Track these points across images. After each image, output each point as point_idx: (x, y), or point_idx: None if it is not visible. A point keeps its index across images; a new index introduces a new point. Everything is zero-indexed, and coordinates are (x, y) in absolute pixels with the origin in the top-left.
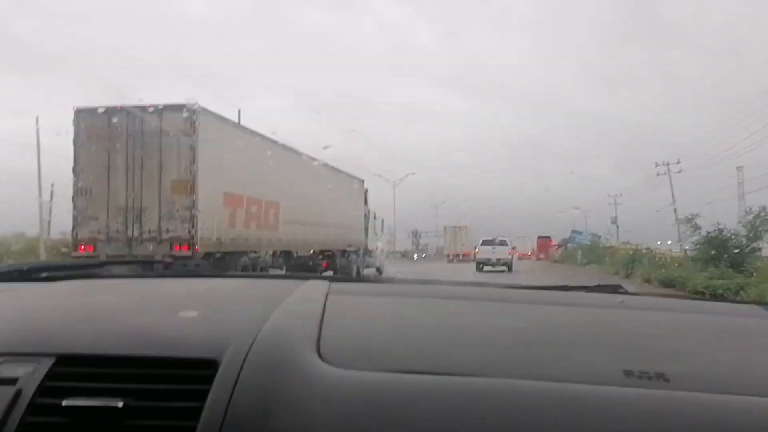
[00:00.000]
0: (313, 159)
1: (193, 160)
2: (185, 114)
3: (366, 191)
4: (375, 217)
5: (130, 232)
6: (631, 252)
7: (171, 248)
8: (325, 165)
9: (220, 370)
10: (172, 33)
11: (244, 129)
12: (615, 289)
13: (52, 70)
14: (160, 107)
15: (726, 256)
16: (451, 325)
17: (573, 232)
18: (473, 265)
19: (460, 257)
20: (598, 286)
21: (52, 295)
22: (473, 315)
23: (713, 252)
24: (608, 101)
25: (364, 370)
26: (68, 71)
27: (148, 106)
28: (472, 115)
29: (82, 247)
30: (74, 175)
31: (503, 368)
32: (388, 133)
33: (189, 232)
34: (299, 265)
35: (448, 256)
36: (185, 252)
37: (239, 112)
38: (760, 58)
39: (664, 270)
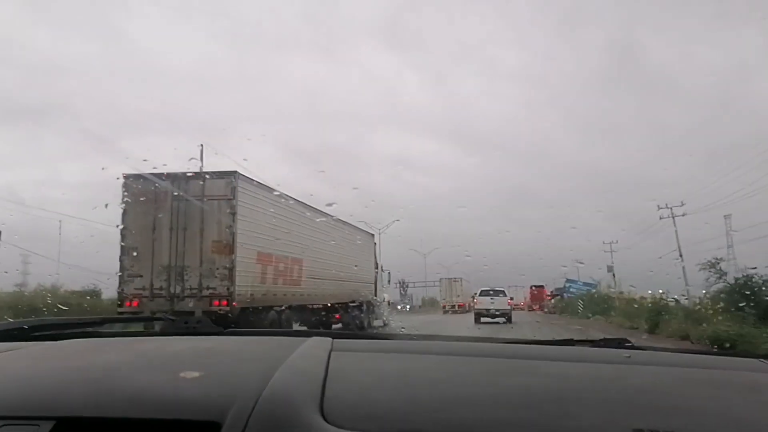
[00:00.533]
0: (330, 216)
1: (232, 223)
2: (227, 180)
3: (375, 245)
4: (382, 270)
5: (172, 289)
6: (649, 301)
7: (211, 304)
8: (341, 221)
9: None
10: (159, 85)
11: (274, 191)
12: (621, 343)
13: (35, 120)
14: (204, 174)
15: (753, 304)
16: (455, 382)
17: (567, 281)
18: (469, 316)
19: (456, 308)
20: (604, 339)
21: (52, 355)
22: (477, 372)
23: (742, 302)
24: (596, 150)
25: (369, 430)
26: (52, 122)
27: (192, 173)
28: (460, 165)
29: (128, 302)
30: (121, 236)
31: (508, 428)
32: (375, 183)
33: (227, 288)
34: (314, 318)
35: (444, 307)
36: (224, 307)
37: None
38: (745, 104)
39: (704, 325)
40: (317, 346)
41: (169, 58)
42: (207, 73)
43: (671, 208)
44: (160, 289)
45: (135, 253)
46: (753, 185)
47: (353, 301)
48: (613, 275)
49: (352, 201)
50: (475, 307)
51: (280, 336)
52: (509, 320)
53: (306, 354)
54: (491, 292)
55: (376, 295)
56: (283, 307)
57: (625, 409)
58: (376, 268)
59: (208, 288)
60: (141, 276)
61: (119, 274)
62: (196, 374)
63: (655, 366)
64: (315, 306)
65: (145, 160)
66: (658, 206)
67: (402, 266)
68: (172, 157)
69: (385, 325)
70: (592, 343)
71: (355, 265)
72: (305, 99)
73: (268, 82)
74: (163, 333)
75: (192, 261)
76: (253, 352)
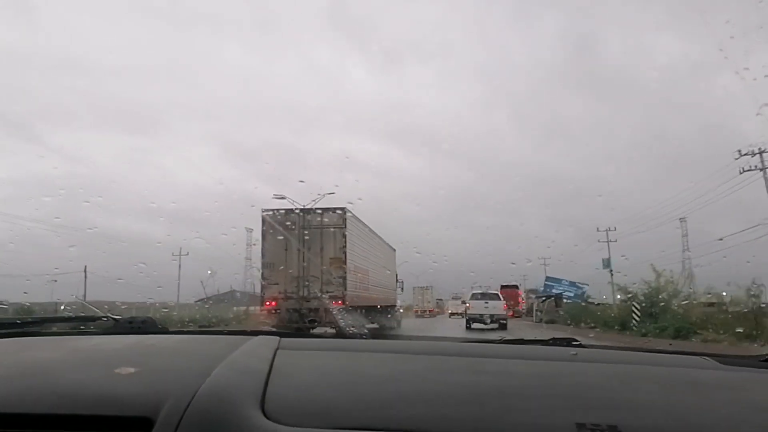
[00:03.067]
0: (378, 236)
1: (344, 245)
2: (339, 214)
3: (395, 255)
4: (398, 278)
5: (301, 293)
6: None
7: (330, 303)
8: (380, 237)
9: (156, 429)
10: (81, 75)
11: (360, 221)
12: (569, 342)
13: None
14: (322, 209)
15: None
16: (401, 379)
17: (548, 279)
18: (442, 319)
19: (427, 313)
20: (554, 339)
21: None
22: (425, 370)
23: None
24: (545, 152)
25: (310, 426)
26: None
27: (314, 209)
28: (410, 167)
29: (267, 303)
30: (262, 254)
31: (453, 423)
32: (321, 184)
33: (342, 292)
34: (369, 317)
35: (416, 312)
36: (340, 306)
37: None
38: (696, 111)
39: None
40: (263, 344)
41: (92, 46)
42: (135, 62)
43: (608, 232)
44: (292, 293)
45: (272, 267)
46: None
47: (386, 305)
48: (611, 271)
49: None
50: (468, 311)
51: (227, 335)
52: (504, 327)
53: (250, 351)
54: (484, 296)
55: (396, 301)
56: (360, 307)
57: (569, 404)
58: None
59: (327, 292)
60: (277, 284)
61: (261, 282)
62: (131, 370)
63: (600, 363)
64: (370, 306)
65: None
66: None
67: None
68: (98, 152)
69: (398, 326)
70: (542, 342)
71: (388, 271)
72: (244, 94)
73: (203, 74)
74: (106, 332)
75: (315, 272)
76: (194, 349)
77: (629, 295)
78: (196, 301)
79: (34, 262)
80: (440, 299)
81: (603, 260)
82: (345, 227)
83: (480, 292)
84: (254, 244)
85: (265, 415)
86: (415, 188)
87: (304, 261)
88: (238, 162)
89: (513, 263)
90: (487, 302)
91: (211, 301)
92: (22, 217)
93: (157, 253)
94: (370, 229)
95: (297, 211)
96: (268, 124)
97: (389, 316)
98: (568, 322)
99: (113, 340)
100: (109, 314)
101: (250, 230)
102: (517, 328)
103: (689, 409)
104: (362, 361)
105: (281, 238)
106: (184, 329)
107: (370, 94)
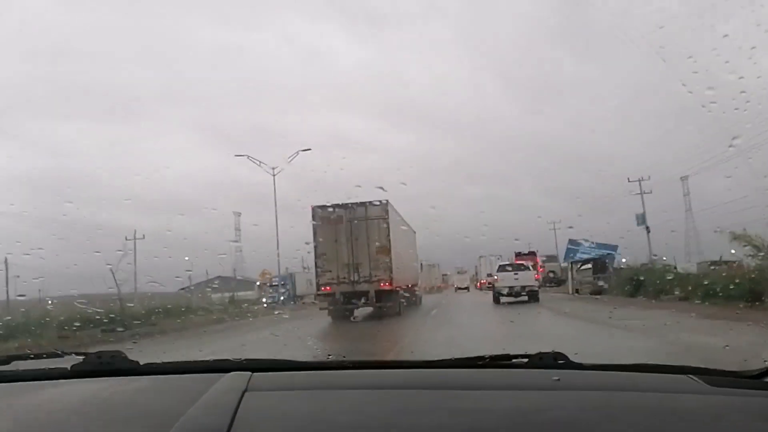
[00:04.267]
0: (404, 220)
1: (388, 234)
2: (382, 206)
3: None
4: (417, 259)
5: (352, 278)
6: None
7: (378, 285)
8: (406, 222)
9: None
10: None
11: (395, 209)
12: (556, 359)
13: None
14: (366, 203)
15: None
16: (371, 427)
17: (571, 242)
18: (449, 293)
19: (435, 289)
20: (540, 354)
21: None
22: (396, 412)
23: None
24: (538, 120)
25: None
26: None
27: (359, 203)
28: (398, 141)
29: (323, 288)
30: (314, 245)
31: None
32: (308, 163)
33: (389, 275)
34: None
35: (425, 288)
36: (387, 287)
37: None
38: (687, 68)
39: None
40: (230, 387)
41: (60, 31)
42: (108, 46)
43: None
44: (344, 278)
45: (325, 257)
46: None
47: (413, 284)
48: (647, 228)
49: (289, 184)
50: (496, 284)
51: (197, 372)
52: (535, 298)
53: (213, 401)
54: (513, 267)
55: (419, 280)
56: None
57: None
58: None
59: (376, 276)
60: (330, 271)
61: (316, 270)
62: None
63: (583, 391)
64: (405, 287)
65: None
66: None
67: None
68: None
69: (420, 303)
70: (528, 359)
71: (412, 257)
72: (221, 74)
73: (178, 55)
74: (72, 373)
75: (363, 259)
76: (155, 401)
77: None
78: (179, 290)
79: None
80: (445, 274)
81: (637, 216)
82: (387, 217)
83: (507, 263)
84: (238, 229)
85: None
86: (405, 163)
87: (352, 250)
88: (220, 145)
89: (517, 239)
90: (516, 273)
91: (193, 288)
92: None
93: (137, 243)
94: (401, 216)
95: (343, 204)
96: (248, 105)
97: (415, 294)
98: (630, 292)
99: (74, 389)
100: (75, 352)
101: (237, 214)
102: (553, 303)
103: None
104: (331, 405)
105: (331, 230)
106: (155, 364)
107: (354, 65)
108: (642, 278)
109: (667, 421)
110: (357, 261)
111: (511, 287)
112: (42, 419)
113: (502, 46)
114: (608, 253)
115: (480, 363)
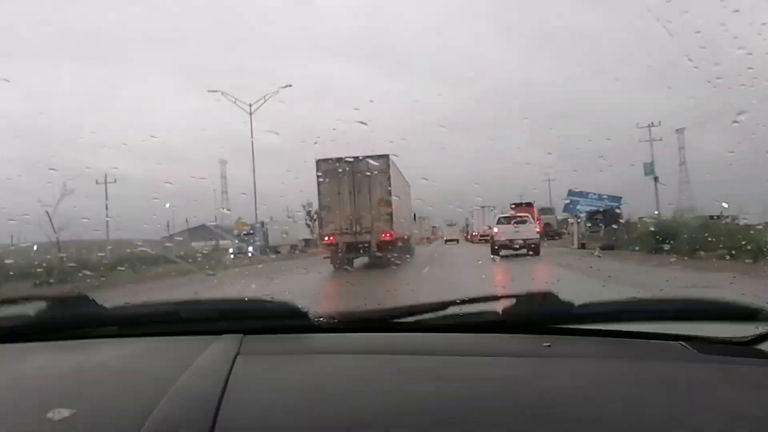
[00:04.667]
0: (402, 175)
1: (389, 187)
2: (383, 160)
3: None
4: (411, 212)
5: (354, 229)
6: None
7: (379, 236)
8: (402, 176)
9: None
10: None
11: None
12: (545, 298)
13: None
14: (369, 157)
15: None
16: (363, 395)
17: (571, 194)
18: (439, 245)
19: (425, 241)
20: (528, 294)
21: None
22: (387, 379)
23: None
24: (532, 70)
25: None
26: None
27: (361, 157)
28: (388, 91)
29: (326, 238)
30: (319, 197)
31: None
32: (296, 113)
33: (390, 226)
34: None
35: (415, 240)
36: (388, 238)
37: None
38: (693, 43)
39: None
40: (222, 350)
41: None
42: None
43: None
44: (347, 229)
45: (328, 209)
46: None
47: (405, 237)
48: (656, 179)
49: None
50: (496, 237)
51: (188, 334)
52: (536, 252)
53: (203, 368)
54: (512, 219)
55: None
56: (397, 239)
57: (537, 422)
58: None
59: (377, 227)
60: (333, 222)
61: (320, 221)
62: (66, 414)
63: (574, 359)
64: (403, 237)
65: None
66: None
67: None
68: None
69: (412, 256)
70: (516, 299)
71: (407, 208)
72: (210, 17)
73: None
74: (40, 320)
75: (365, 211)
76: (143, 370)
77: None
78: (162, 238)
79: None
80: (435, 226)
81: (645, 165)
82: (389, 171)
83: (507, 215)
84: (224, 177)
85: None
86: (395, 114)
87: (355, 202)
88: (206, 92)
89: (521, 196)
90: (517, 226)
91: (178, 238)
92: None
93: (131, 191)
94: (398, 170)
95: (346, 158)
96: (237, 50)
97: (409, 245)
98: (652, 248)
99: (59, 358)
100: (38, 295)
101: (224, 162)
102: (562, 259)
103: (660, 418)
104: (324, 370)
105: (334, 183)
106: (122, 308)
107: (343, 7)
108: (672, 232)
109: (654, 391)
110: (359, 213)
111: (511, 240)
112: (33, 383)
113: None
114: (614, 205)
115: (474, 324)
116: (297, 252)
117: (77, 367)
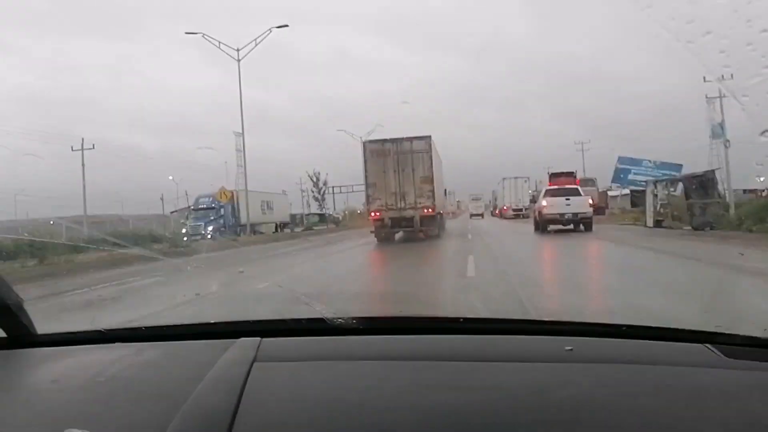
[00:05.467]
0: (438, 154)
1: (431, 165)
2: (425, 141)
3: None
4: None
5: (399, 205)
6: None
7: (423, 212)
8: (438, 154)
9: None
10: None
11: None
12: (570, 325)
13: None
14: (411, 138)
15: None
16: (380, 403)
17: (621, 161)
18: (465, 219)
19: (450, 215)
20: (548, 322)
21: None
22: (406, 387)
23: None
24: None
25: None
26: None
27: (405, 138)
28: (406, 64)
29: (373, 214)
30: (365, 175)
31: None
32: (313, 84)
33: (432, 202)
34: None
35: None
36: (431, 213)
37: None
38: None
39: None
40: (239, 356)
41: None
42: None
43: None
44: (392, 205)
45: (374, 186)
46: None
47: (441, 212)
48: (726, 143)
49: (294, 106)
50: (543, 211)
51: (205, 338)
52: (589, 227)
53: (219, 378)
54: (563, 191)
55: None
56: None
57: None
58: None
59: (419, 203)
60: (379, 199)
61: (367, 197)
62: None
63: (596, 364)
64: (439, 213)
65: None
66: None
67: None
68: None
69: (444, 228)
70: (535, 325)
71: (441, 184)
72: None
73: None
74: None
75: (408, 189)
76: (160, 380)
77: None
78: (171, 212)
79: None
80: (459, 201)
81: (713, 127)
82: (431, 152)
83: (555, 187)
84: (239, 150)
85: None
86: (413, 86)
87: (399, 180)
88: (222, 63)
89: (549, 168)
90: (568, 199)
91: (176, 213)
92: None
93: (148, 164)
94: (435, 147)
95: (391, 139)
96: (253, 21)
97: (443, 220)
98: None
99: (80, 361)
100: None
101: (238, 134)
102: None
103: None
104: (342, 376)
105: (380, 162)
106: (164, 328)
107: None
108: None
109: (680, 399)
110: (403, 190)
111: (561, 214)
112: (48, 395)
113: None
114: (673, 174)
115: (493, 327)
116: (287, 231)
117: (92, 378)
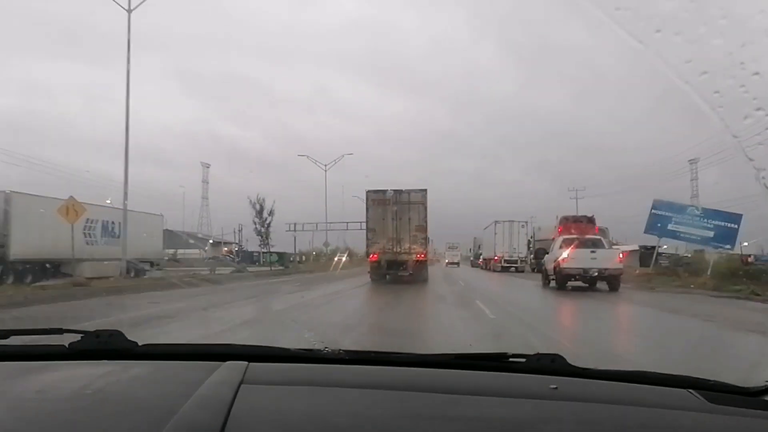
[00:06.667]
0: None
1: (426, 215)
2: (422, 193)
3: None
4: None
5: (395, 249)
6: None
7: (415, 257)
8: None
9: None
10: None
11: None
12: (553, 361)
13: None
14: (409, 190)
15: None
16: (366, 429)
17: (656, 206)
18: (442, 267)
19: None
20: (538, 355)
21: None
22: (390, 417)
23: None
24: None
25: None
26: None
27: (404, 190)
28: (387, 108)
29: (371, 256)
30: (366, 221)
31: None
32: (288, 123)
33: (424, 248)
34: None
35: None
36: (423, 258)
37: None
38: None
39: None
40: (227, 377)
41: None
42: None
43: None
44: (389, 249)
45: (374, 231)
46: None
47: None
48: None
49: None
50: (564, 264)
51: (193, 359)
52: (615, 288)
53: (206, 396)
54: (586, 242)
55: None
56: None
57: None
58: None
59: (413, 249)
60: (378, 243)
61: (367, 242)
62: None
63: (581, 402)
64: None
65: None
66: None
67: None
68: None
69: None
70: (526, 359)
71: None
72: (209, 24)
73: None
74: (72, 350)
75: (404, 235)
76: (146, 394)
77: None
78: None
79: None
80: (435, 249)
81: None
82: (425, 203)
83: (573, 237)
84: (206, 182)
85: None
86: (392, 131)
87: (396, 227)
88: (199, 97)
89: (530, 217)
90: (594, 251)
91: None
92: None
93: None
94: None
95: (391, 190)
96: (230, 55)
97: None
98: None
99: (70, 373)
100: (74, 330)
101: (207, 166)
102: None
103: None
104: (326, 403)
105: (380, 210)
106: (152, 345)
107: (345, 20)
108: None
109: None
110: (400, 236)
111: (585, 269)
112: (33, 404)
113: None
114: (731, 226)
115: (479, 363)
116: (158, 271)
117: (79, 392)
